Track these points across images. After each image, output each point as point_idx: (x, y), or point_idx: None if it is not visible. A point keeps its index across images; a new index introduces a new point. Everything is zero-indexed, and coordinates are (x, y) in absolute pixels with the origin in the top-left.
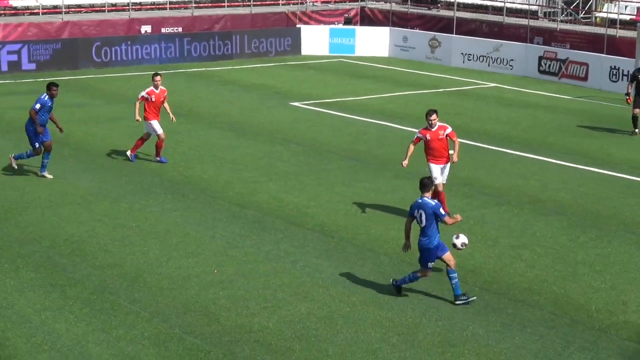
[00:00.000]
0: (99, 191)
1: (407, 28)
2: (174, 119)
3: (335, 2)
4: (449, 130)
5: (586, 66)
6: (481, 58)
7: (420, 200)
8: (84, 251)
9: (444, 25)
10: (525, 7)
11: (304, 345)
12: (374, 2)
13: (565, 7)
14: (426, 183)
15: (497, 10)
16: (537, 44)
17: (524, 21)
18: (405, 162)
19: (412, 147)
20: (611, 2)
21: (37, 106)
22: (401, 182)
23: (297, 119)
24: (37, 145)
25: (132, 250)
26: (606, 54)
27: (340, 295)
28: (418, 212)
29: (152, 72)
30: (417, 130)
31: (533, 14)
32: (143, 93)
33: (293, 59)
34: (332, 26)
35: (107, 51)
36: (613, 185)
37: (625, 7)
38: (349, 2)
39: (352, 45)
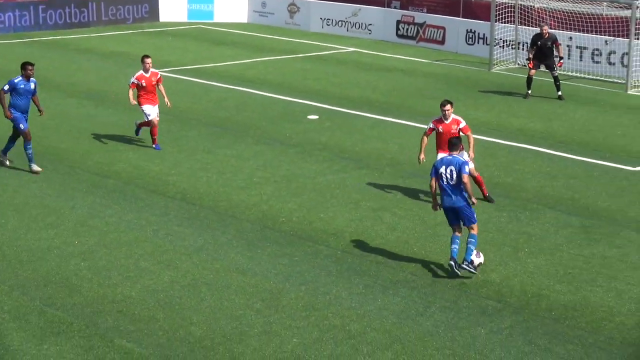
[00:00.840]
0: None
1: None
2: (169, 104)
3: None
4: (463, 124)
5: (443, 30)
6: (340, 23)
7: (449, 157)
8: None
9: None
10: None
11: (167, 313)
12: None
13: None
14: (454, 142)
15: None
16: (395, 8)
17: None
18: (422, 156)
19: (425, 139)
20: None
21: (6, 87)
22: (262, 148)
23: None
24: (22, 127)
25: None
26: (462, 18)
27: (203, 262)
28: (447, 168)
29: (142, 55)
30: (430, 122)
31: None
32: (133, 79)
33: (151, 26)
34: None
35: None
36: None
37: None
38: None
39: (211, 12)
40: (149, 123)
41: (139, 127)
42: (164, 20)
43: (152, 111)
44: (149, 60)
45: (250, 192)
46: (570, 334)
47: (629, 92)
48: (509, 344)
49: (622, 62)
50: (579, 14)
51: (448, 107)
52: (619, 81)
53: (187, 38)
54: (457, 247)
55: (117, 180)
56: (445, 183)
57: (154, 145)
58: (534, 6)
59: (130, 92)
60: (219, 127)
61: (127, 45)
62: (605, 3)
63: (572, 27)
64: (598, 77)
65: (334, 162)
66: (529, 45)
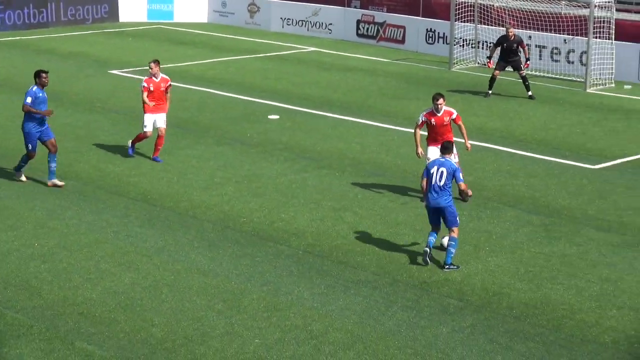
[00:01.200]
0: None
1: None
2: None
3: None
4: (455, 115)
5: (403, 29)
6: (300, 22)
7: (442, 159)
8: None
9: None
10: None
11: (128, 315)
12: None
13: None
14: (447, 146)
15: None
16: (355, 7)
17: None
18: (420, 150)
19: (418, 132)
20: None
21: (29, 100)
22: (223, 148)
23: (116, 87)
24: (29, 147)
25: None
26: (422, 17)
27: (164, 264)
28: (438, 169)
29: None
30: (421, 114)
31: None
32: (143, 83)
33: (111, 26)
34: None
35: None
36: None
37: None
38: None
39: (171, 12)
40: (143, 136)
41: (133, 144)
42: (123, 20)
43: (151, 122)
44: (152, 65)
45: (211, 192)
46: (531, 331)
47: (588, 90)
48: (470, 342)
49: (580, 61)
50: (538, 12)
51: (441, 100)
52: (578, 80)
53: (147, 38)
54: (433, 238)
55: (77, 182)
56: (433, 182)
57: (153, 157)
58: (493, 5)
59: (144, 97)
60: (180, 128)
61: (87, 46)
62: (563, 2)
63: (531, 25)
64: (557, 76)
65: (295, 162)
66: (493, 45)
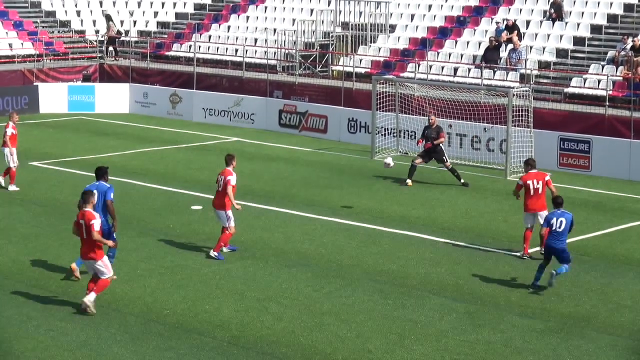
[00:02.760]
0: None
1: (147, 84)
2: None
3: (72, 59)
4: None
5: (325, 118)
6: (222, 113)
7: (559, 212)
8: None
9: (184, 81)
10: (264, 61)
11: None
12: (113, 59)
13: (302, 61)
14: (560, 202)
15: (237, 65)
16: (277, 97)
17: (263, 75)
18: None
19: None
20: (346, 56)
21: (112, 195)
22: (146, 240)
23: (36, 178)
24: (115, 237)
25: None
26: (344, 106)
27: (86, 358)
28: (558, 220)
29: (228, 154)
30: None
31: (272, 68)
32: (233, 181)
33: (31, 118)
34: (71, 83)
35: None
36: (354, 234)
37: (360, 60)
38: (87, 58)
39: (92, 103)
40: (231, 234)
41: (226, 244)
42: (44, 111)
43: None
44: (235, 160)
45: (133, 284)
46: None
47: (509, 178)
48: None
49: (500, 149)
50: (458, 101)
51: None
52: (499, 167)
53: (68, 129)
54: (540, 275)
55: None
56: (553, 229)
57: (228, 248)
58: (414, 94)
59: (232, 196)
60: None
61: None
62: (482, 91)
63: (452, 114)
64: (478, 164)
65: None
66: (421, 134)
